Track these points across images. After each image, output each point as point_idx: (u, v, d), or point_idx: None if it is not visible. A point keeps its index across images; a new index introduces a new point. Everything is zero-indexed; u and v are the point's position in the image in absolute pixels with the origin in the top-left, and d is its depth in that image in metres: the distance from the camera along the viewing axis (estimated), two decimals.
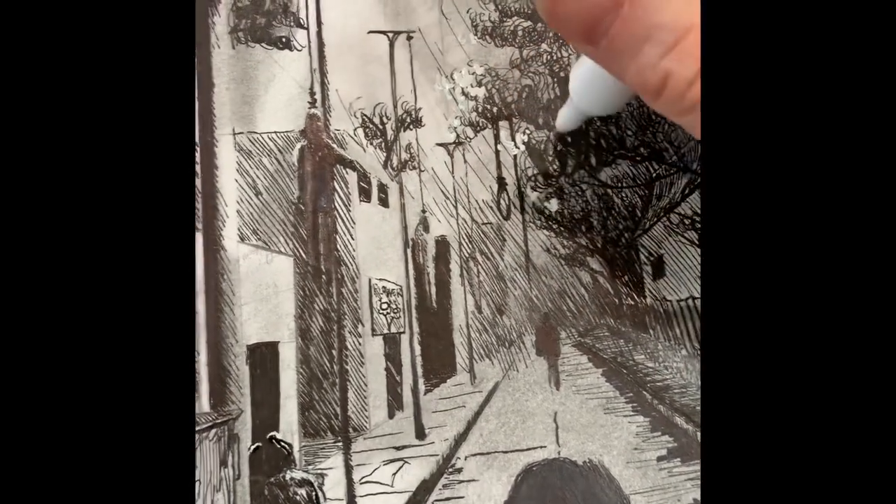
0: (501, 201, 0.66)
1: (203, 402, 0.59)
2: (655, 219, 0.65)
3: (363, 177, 0.66)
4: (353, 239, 0.64)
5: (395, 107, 0.65)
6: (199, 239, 0.61)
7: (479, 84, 0.67)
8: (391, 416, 0.64)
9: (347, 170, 0.65)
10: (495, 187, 0.66)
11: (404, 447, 0.61)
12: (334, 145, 0.64)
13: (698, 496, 0.58)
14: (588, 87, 0.51)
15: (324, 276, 0.63)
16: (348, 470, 0.59)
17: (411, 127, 0.65)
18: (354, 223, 0.64)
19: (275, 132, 0.64)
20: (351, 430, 0.61)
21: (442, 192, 0.65)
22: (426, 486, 0.59)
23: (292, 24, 0.66)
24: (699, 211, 0.64)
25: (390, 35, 0.66)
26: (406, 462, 0.60)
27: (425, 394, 0.64)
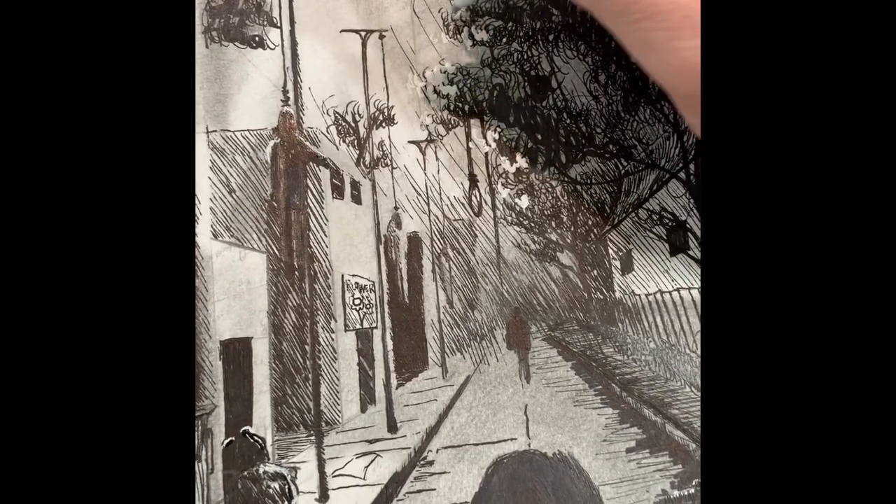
0: (473, 198, 0.67)
1: None
2: (624, 214, 0.66)
3: (336, 174, 0.66)
4: (325, 235, 0.64)
5: (367, 105, 0.66)
6: None
7: (451, 82, 0.67)
8: (363, 410, 0.65)
9: (320, 167, 0.66)
10: (467, 184, 0.67)
11: (376, 440, 0.62)
12: (307, 143, 0.65)
13: (667, 487, 0.59)
14: None
15: (297, 273, 0.63)
16: (321, 463, 0.60)
17: (384, 125, 0.66)
18: (327, 220, 0.65)
19: (248, 130, 0.64)
20: (323, 424, 0.62)
21: (414, 188, 0.66)
22: (398, 479, 0.60)
23: (265, 23, 0.67)
24: (667, 206, 0.66)
25: (363, 34, 0.67)
26: (378, 455, 0.61)
27: (397, 388, 0.65)
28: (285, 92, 0.65)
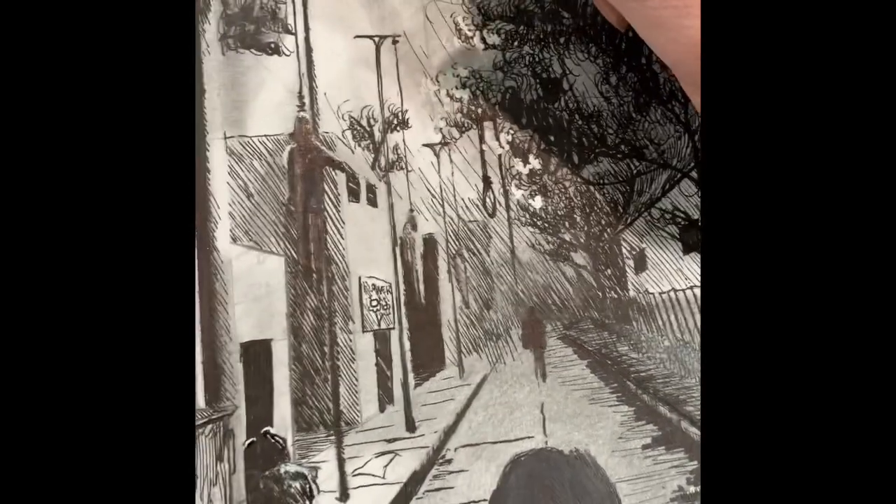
0: (487, 199, 0.67)
1: (199, 399, 0.60)
2: (637, 214, 0.67)
3: (352, 178, 0.67)
4: (342, 238, 0.65)
5: (381, 109, 0.67)
6: None
7: (464, 86, 0.68)
8: (382, 409, 0.66)
9: (336, 171, 0.66)
10: (481, 186, 0.68)
11: (395, 440, 0.63)
12: (323, 147, 0.66)
13: (683, 483, 0.60)
14: None
15: (314, 275, 0.64)
16: (341, 463, 0.61)
17: (398, 128, 0.67)
18: (344, 223, 0.66)
19: (265, 136, 0.65)
20: (343, 424, 0.63)
21: (429, 191, 0.67)
22: (417, 478, 0.61)
23: (280, 30, 0.68)
24: (679, 206, 0.66)
25: (376, 39, 0.68)
26: (397, 454, 0.61)
27: (415, 388, 0.66)
28: (301, 97, 0.66)
